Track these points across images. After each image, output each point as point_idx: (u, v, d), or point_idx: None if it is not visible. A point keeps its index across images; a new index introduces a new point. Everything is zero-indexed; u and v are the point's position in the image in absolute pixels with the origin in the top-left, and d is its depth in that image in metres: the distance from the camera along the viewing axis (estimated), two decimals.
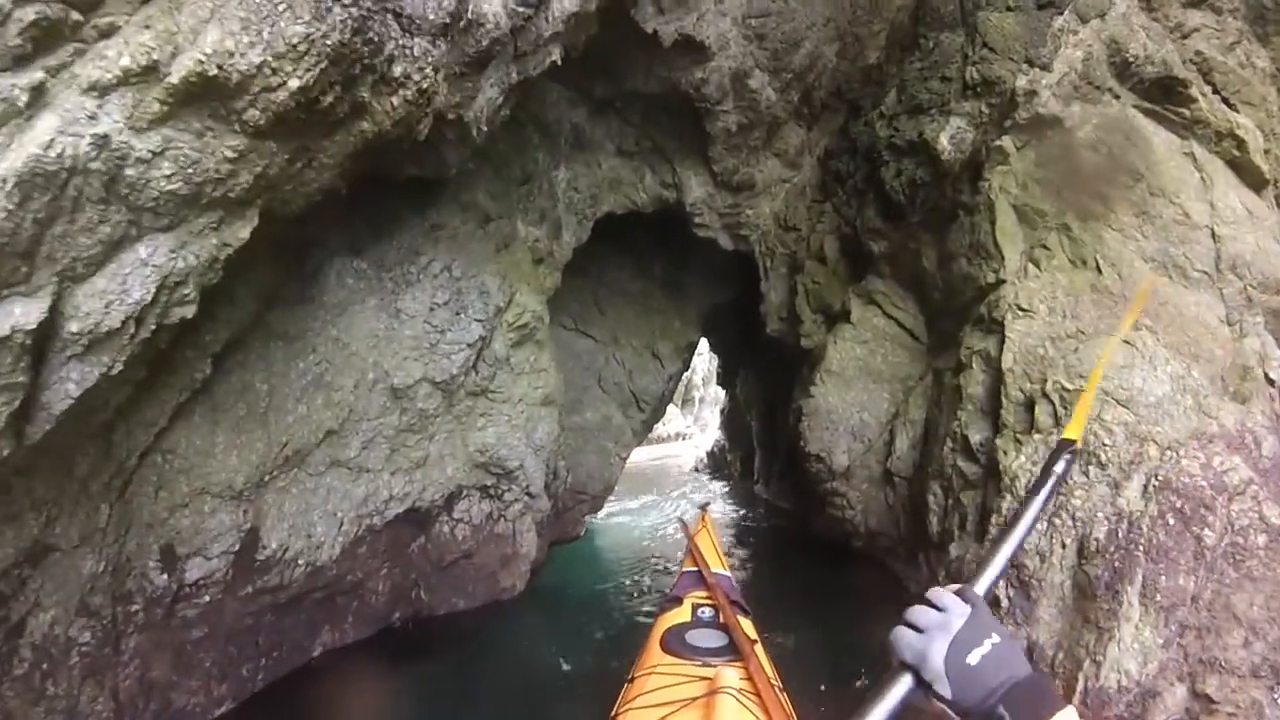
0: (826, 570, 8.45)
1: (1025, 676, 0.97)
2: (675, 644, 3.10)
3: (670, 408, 26.66)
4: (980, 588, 1.16)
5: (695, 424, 26.94)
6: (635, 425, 11.12)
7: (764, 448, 13.51)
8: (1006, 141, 6.66)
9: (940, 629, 1.04)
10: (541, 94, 8.39)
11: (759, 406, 13.52)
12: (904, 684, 1.04)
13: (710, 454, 17.59)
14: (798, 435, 8.21)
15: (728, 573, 4.51)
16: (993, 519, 5.28)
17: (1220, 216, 6.15)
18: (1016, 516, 1.39)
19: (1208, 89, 6.67)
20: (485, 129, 5.32)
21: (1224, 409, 5.13)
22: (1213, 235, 6.10)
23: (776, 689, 2.70)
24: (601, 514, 12.12)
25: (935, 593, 1.11)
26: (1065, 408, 5.35)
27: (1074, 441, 1.66)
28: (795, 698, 2.89)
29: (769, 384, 12.56)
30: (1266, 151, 6.62)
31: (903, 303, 8.09)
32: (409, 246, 6.88)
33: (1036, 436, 5.39)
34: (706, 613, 3.48)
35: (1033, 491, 1.47)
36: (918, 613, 1.09)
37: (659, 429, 25.07)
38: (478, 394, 7.52)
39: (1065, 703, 0.93)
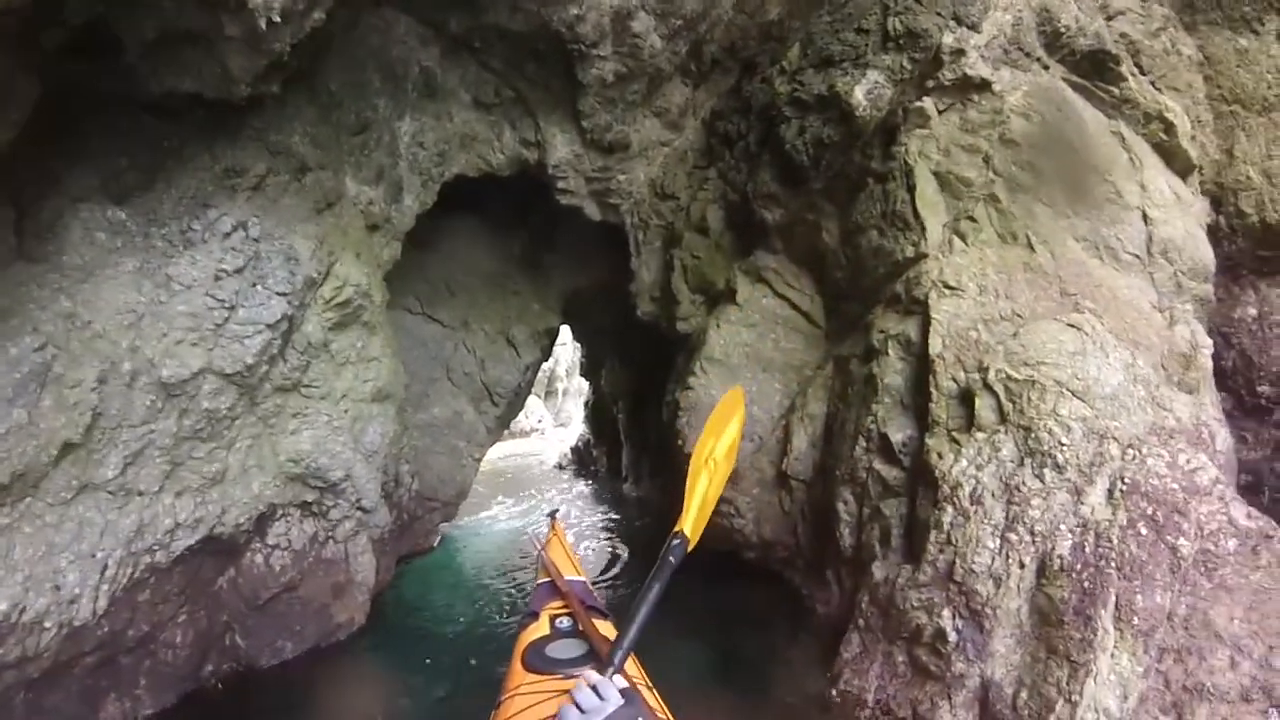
0: (712, 586, 7.52)
1: None
2: (536, 660, 2.97)
3: (532, 399, 25.41)
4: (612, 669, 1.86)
5: (558, 418, 25.70)
6: (489, 421, 9.81)
7: (633, 443, 12.50)
8: (928, 103, 5.90)
9: (597, 713, 1.50)
10: (386, 26, 7.00)
11: (626, 400, 12.50)
12: None
13: (575, 449, 16.46)
14: (674, 432, 7.19)
15: (582, 577, 4.34)
16: (932, 536, 4.43)
17: (1151, 199, 5.66)
18: (641, 601, 2.07)
19: (1136, 70, 6.21)
20: (285, 32, 3.93)
21: (1177, 400, 4.53)
22: (1144, 217, 5.59)
23: (644, 688, 2.60)
24: (458, 520, 10.79)
25: (602, 682, 1.64)
26: (1013, 401, 4.58)
27: (683, 533, 2.34)
28: (668, 694, 2.76)
29: (638, 374, 11.55)
30: (1193, 138, 6.22)
31: (797, 281, 7.22)
32: (193, 196, 5.31)
33: (980, 436, 4.57)
34: (564, 623, 3.37)
35: (651, 580, 2.17)
36: (583, 695, 1.59)
37: (519, 422, 23.76)
38: (288, 389, 6.03)
39: None
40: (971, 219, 5.59)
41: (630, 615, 2.14)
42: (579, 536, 10.10)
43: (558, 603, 3.70)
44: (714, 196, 7.93)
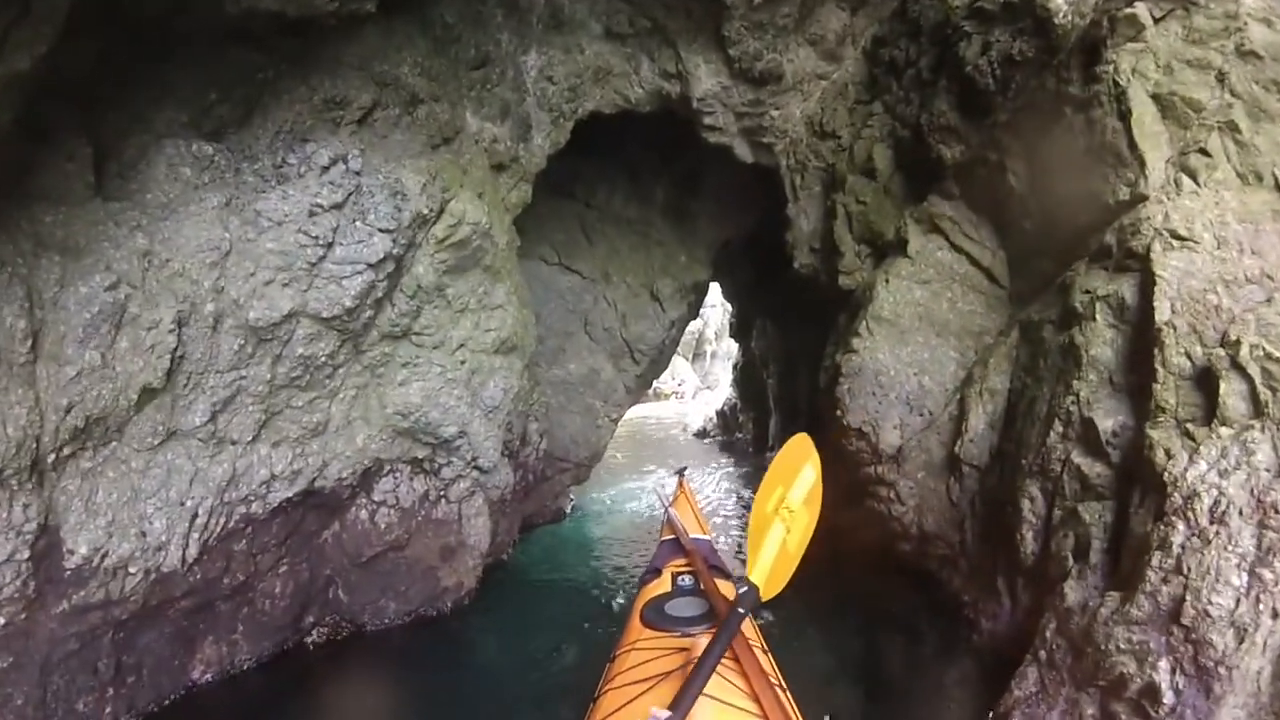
0: (855, 581, 6.59)
1: None
2: (654, 616, 3.01)
3: (678, 360, 24.81)
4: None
5: (705, 380, 24.94)
6: (628, 380, 9.17)
7: (782, 411, 11.56)
8: (1141, 9, 4.59)
9: None
10: None
11: (778, 364, 11.53)
12: None
13: (720, 414, 15.68)
14: (831, 400, 6.22)
15: (707, 536, 4.38)
16: (1154, 560, 3.31)
17: None
18: (708, 653, 2.01)
19: None
20: None
21: None
22: None
23: (758, 651, 2.63)
24: (590, 490, 10.32)
25: None
26: (1273, 389, 3.36)
27: (752, 583, 2.32)
28: (780, 660, 2.87)
29: (791, 336, 10.56)
30: None
31: (976, 232, 6.04)
32: (290, 130, 4.88)
33: (1224, 432, 3.38)
34: (686, 581, 3.38)
35: (721, 631, 2.16)
36: None
37: (663, 383, 23.24)
38: (397, 337, 5.59)
39: None
40: (1204, 153, 4.30)
41: (698, 666, 2.06)
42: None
43: (681, 560, 3.71)
44: (880, 134, 6.81)
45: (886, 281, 6.11)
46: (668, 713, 1.56)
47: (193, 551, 4.53)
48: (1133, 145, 4.52)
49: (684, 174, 9.09)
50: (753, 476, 10.95)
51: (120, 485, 4.24)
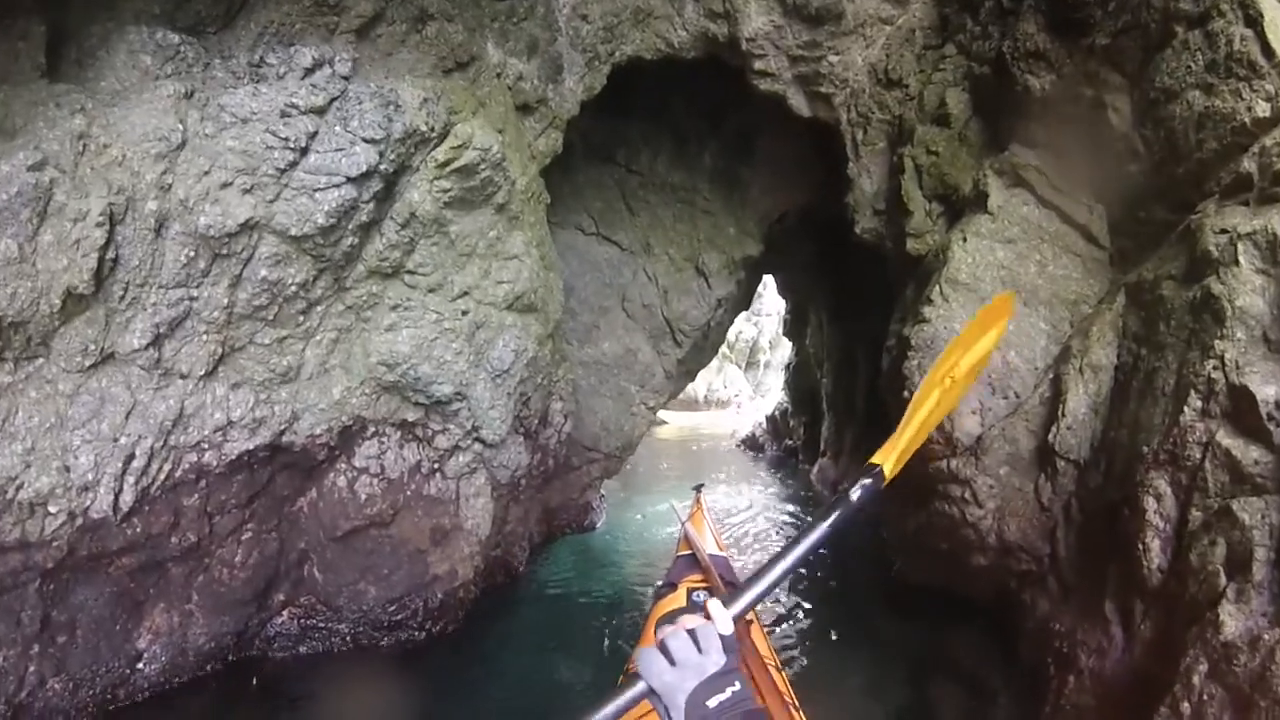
0: (913, 603, 5.76)
1: None
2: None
3: (732, 369, 23.89)
4: (729, 617, 1.17)
5: (758, 390, 23.93)
6: (669, 365, 8.33)
7: (835, 412, 10.57)
8: None
9: (695, 670, 1.06)
10: None
11: (833, 361, 10.56)
12: (639, 701, 1.09)
13: (770, 419, 14.70)
14: (898, 380, 5.28)
15: (724, 553, 4.28)
16: None
17: None
18: (795, 542, 1.44)
19: None
20: None
21: None
22: None
23: (771, 668, 2.62)
24: (630, 497, 9.48)
25: (704, 631, 1.11)
26: None
27: (880, 468, 1.79)
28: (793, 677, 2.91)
29: (849, 329, 9.62)
30: None
31: (1068, 185, 5.10)
32: (277, 32, 4.24)
33: None
34: (701, 596, 3.25)
35: (819, 519, 1.54)
36: (677, 644, 1.10)
37: (717, 391, 22.34)
38: (386, 274, 4.89)
39: None
40: None
41: (781, 554, 1.43)
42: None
43: (696, 576, 3.65)
44: (954, 78, 5.88)
45: (964, 240, 5.17)
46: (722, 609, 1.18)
47: (128, 498, 3.88)
48: (1268, 51, 3.68)
49: (735, 137, 8.25)
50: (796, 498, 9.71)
51: (43, 409, 3.61)
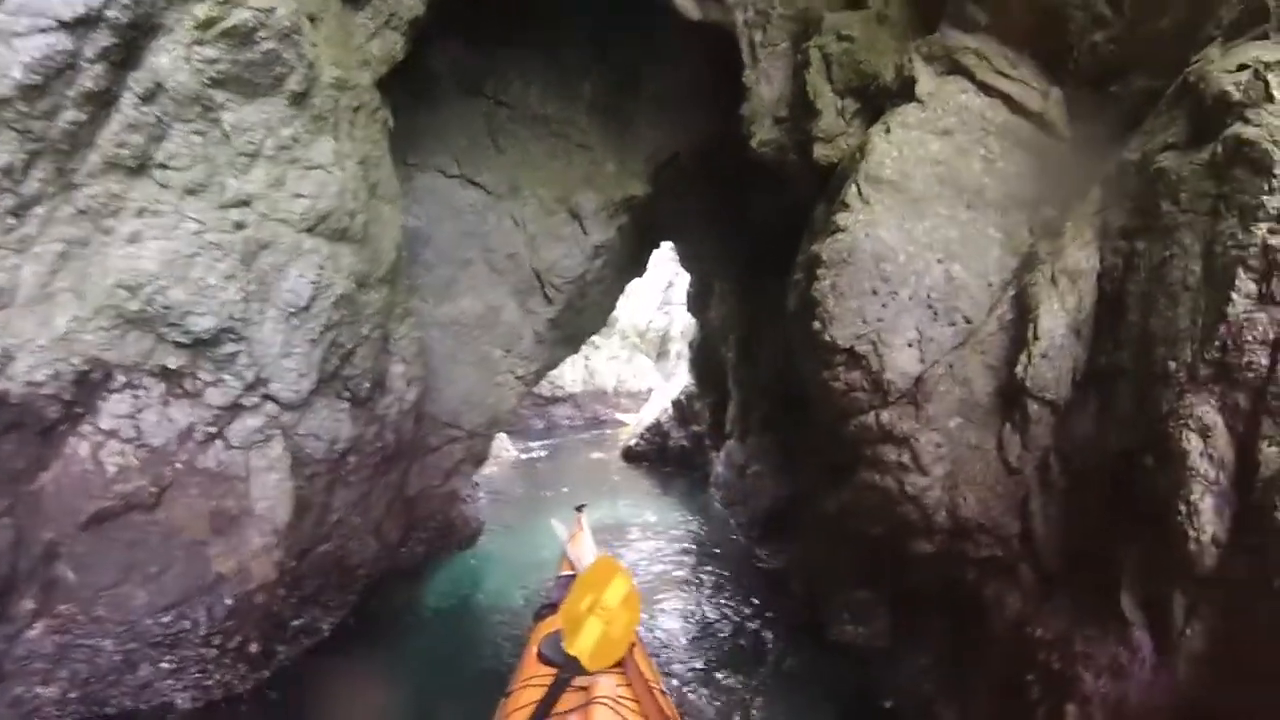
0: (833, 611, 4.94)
1: None
2: (551, 652, 2.93)
3: (642, 359, 22.71)
4: None
5: (670, 382, 22.80)
6: (539, 326, 7.04)
7: (742, 388, 9.50)
8: None
9: None
10: None
11: (739, 330, 9.49)
12: None
13: (676, 404, 13.58)
14: (807, 311, 4.15)
15: None
16: None
17: None
18: None
19: None
20: None
21: None
22: None
23: (656, 692, 2.67)
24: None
25: None
26: None
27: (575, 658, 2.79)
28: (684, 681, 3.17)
29: (755, 292, 8.54)
30: None
31: (1015, 69, 4.13)
32: None
33: None
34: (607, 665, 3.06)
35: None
36: None
37: (626, 382, 21.09)
38: (132, 171, 3.55)
39: None
40: None
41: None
42: None
43: None
44: None
45: (887, 132, 4.10)
46: None
47: None
48: None
49: (621, 70, 7.07)
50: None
51: None
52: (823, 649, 5.03)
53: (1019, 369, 3.29)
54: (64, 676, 3.82)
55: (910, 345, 3.68)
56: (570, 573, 4.11)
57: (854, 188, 3.96)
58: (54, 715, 3.76)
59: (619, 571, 3.24)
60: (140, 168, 3.60)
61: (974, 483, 3.48)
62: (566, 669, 2.72)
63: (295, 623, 4.90)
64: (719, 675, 4.94)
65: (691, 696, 4.56)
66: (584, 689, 2.61)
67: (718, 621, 5.88)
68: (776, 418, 8.08)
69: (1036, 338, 3.26)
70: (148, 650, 4.00)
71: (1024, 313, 3.41)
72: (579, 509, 5.54)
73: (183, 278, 3.67)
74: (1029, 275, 3.48)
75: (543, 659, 2.96)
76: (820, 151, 4.69)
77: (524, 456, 13.63)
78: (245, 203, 3.93)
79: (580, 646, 2.83)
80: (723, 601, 6.30)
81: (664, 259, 20.10)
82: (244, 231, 3.88)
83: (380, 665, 5.21)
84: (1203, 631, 2.40)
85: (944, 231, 3.78)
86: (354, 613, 5.46)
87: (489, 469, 11.85)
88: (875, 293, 3.73)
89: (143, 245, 3.61)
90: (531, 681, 2.79)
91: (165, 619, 4.02)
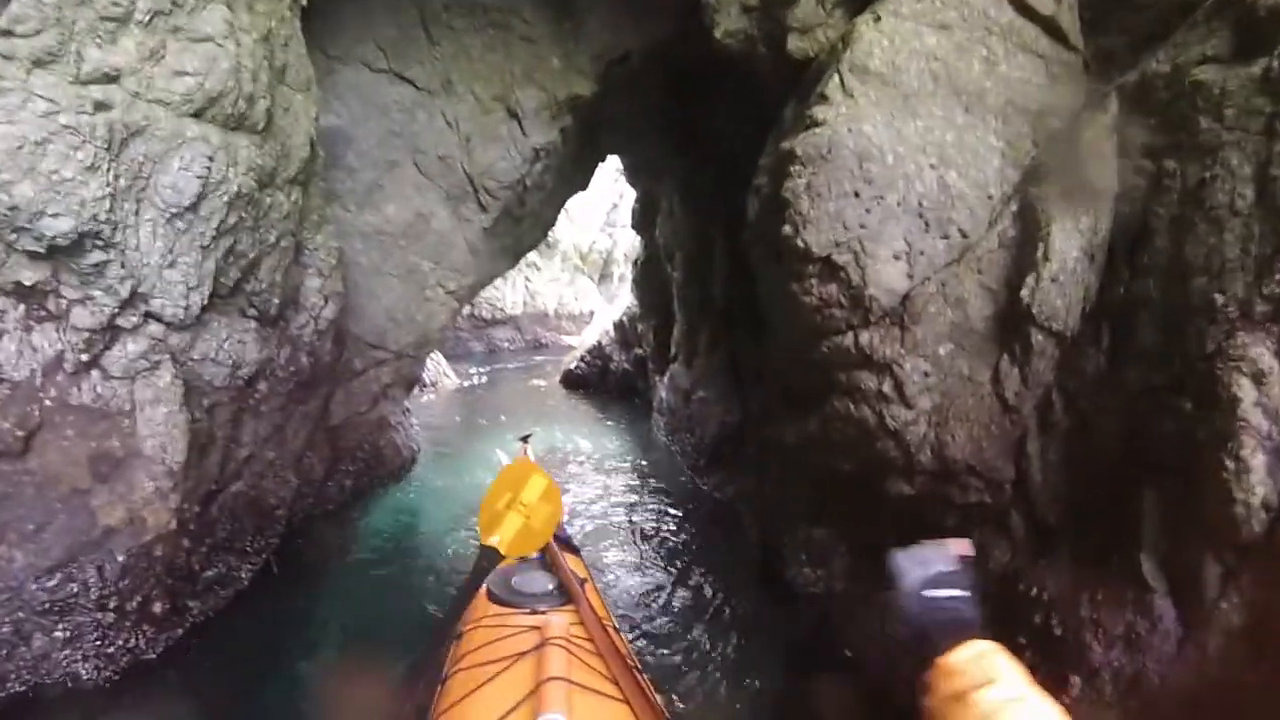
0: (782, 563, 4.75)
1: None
2: (501, 591, 2.92)
3: (585, 281, 22.09)
4: None
5: (614, 305, 22.26)
6: (472, 235, 6.40)
7: (688, 309, 9.04)
8: None
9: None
10: None
11: (686, 247, 8.97)
12: None
13: (617, 326, 13.11)
14: (775, 214, 3.63)
15: None
16: None
17: None
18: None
19: None
20: None
21: None
22: None
23: (609, 629, 2.66)
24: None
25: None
26: None
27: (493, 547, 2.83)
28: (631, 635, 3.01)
29: (704, 206, 8.03)
30: None
31: None
32: None
33: None
34: (532, 554, 3.19)
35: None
36: None
37: (568, 305, 20.50)
38: None
39: None
40: None
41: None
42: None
43: None
44: None
45: (876, 20, 3.55)
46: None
47: None
48: None
49: None
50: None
51: None
52: (777, 591, 4.73)
53: (1025, 293, 2.89)
54: None
55: (897, 258, 3.23)
56: None
57: (836, 78, 3.43)
58: None
59: (535, 470, 3.20)
60: None
61: (964, 419, 3.10)
62: (484, 558, 2.76)
63: (207, 574, 4.39)
64: (665, 620, 4.65)
65: (639, 644, 4.23)
66: (536, 629, 2.52)
67: (664, 561, 5.55)
68: (725, 339, 7.68)
69: (1048, 259, 2.84)
70: (37, 619, 3.48)
71: (1031, 230, 2.99)
72: (524, 439, 5.23)
73: (31, 169, 2.97)
74: (1037, 188, 3.04)
75: (493, 598, 2.88)
76: (795, 44, 4.12)
77: (465, 384, 13.09)
78: (111, 78, 3.21)
79: (499, 539, 2.85)
80: (668, 538, 5.98)
81: (608, 179, 19.44)
82: (108, 113, 3.17)
83: (308, 614, 4.81)
84: (1241, 605, 2.08)
85: (939, 134, 3.30)
86: (277, 557, 4.99)
87: (427, 397, 11.35)
88: (858, 195, 3.24)
89: None
90: (483, 623, 2.69)
91: (50, 582, 3.47)
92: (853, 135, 3.26)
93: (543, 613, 2.73)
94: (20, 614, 3.42)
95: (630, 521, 6.33)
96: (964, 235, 3.20)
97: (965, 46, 3.53)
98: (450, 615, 2.64)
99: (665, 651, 4.28)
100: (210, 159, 3.55)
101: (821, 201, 3.25)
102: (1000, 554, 3.03)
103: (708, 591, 5.02)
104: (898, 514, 3.48)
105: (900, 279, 3.22)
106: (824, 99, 3.42)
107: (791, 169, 3.37)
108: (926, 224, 3.22)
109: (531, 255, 17.52)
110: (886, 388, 3.24)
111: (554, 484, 3.15)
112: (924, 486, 3.24)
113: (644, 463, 8.24)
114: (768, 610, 4.67)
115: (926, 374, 3.16)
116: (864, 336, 3.29)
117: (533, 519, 2.96)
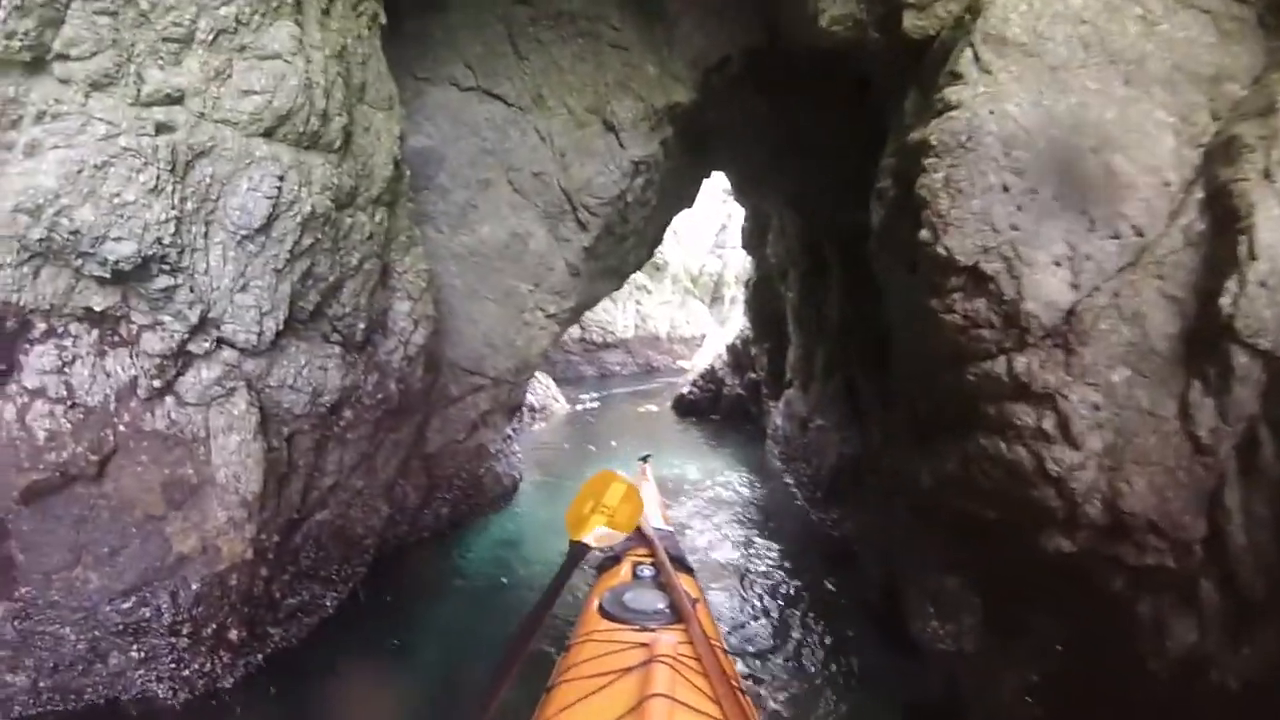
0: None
1: None
2: (612, 607, 2.87)
3: (696, 304, 21.73)
4: None
5: (725, 328, 21.77)
6: (572, 255, 6.13)
7: (803, 331, 8.50)
8: None
9: None
10: None
11: (800, 264, 8.46)
12: None
13: (730, 349, 12.66)
14: (907, 220, 3.14)
15: (669, 528, 4.20)
16: None
17: None
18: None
19: None
20: None
21: None
22: None
23: (719, 651, 2.59)
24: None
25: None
26: None
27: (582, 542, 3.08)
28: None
29: (816, 217, 7.53)
30: None
31: None
32: None
33: None
34: (646, 571, 3.23)
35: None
36: None
37: (679, 328, 20.13)
38: (29, 68, 2.80)
39: None
40: None
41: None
42: None
43: (642, 550, 3.56)
44: None
45: None
46: None
47: None
48: None
49: None
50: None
51: None
52: (898, 644, 4.21)
53: (1224, 301, 2.29)
54: (30, 665, 3.37)
55: (1058, 264, 2.67)
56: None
57: (969, 51, 2.93)
58: (29, 704, 3.39)
59: (616, 478, 3.49)
60: (39, 61, 2.79)
61: (1144, 462, 2.50)
62: (575, 552, 3.01)
63: (289, 602, 4.28)
64: (774, 663, 4.28)
65: (746, 685, 3.81)
66: (644, 645, 2.47)
67: (775, 599, 5.09)
68: (842, 363, 7.11)
69: (1253, 257, 2.24)
70: (113, 639, 3.46)
71: (1226, 222, 2.39)
72: (644, 459, 5.38)
73: (90, 193, 2.86)
74: (1227, 170, 2.44)
75: (604, 614, 2.83)
76: (912, 21, 3.61)
77: (575, 409, 12.92)
78: (174, 99, 3.09)
79: (584, 535, 3.14)
80: (780, 574, 5.49)
81: (716, 200, 19.09)
82: (171, 135, 3.04)
83: (396, 644, 4.56)
84: None
85: (1097, 111, 2.74)
86: (366, 586, 4.84)
87: (539, 425, 11.21)
88: (1007, 189, 2.72)
89: (41, 157, 2.81)
90: (592, 637, 2.66)
91: (124, 605, 3.46)
92: (995, 118, 2.75)
93: (653, 630, 2.67)
94: (96, 633, 3.41)
95: (741, 554, 5.92)
96: (1139, 234, 2.61)
97: (1117, 5, 2.97)
98: (539, 608, 2.59)
99: (771, 696, 3.94)
100: (280, 179, 3.39)
101: (964, 199, 2.75)
102: (1183, 632, 2.42)
103: (821, 636, 4.58)
104: (1051, 572, 2.89)
105: (1063, 290, 2.66)
106: (956, 77, 2.93)
107: (925, 162, 2.88)
108: (1092, 221, 2.65)
109: (641, 278, 17.30)
110: (1047, 424, 2.67)
111: (634, 488, 3.43)
112: (1088, 542, 2.65)
113: (757, 493, 7.76)
114: (887, 663, 4.16)
115: (1097, 407, 2.57)
116: (1019, 361, 2.73)
117: (615, 518, 3.27)
